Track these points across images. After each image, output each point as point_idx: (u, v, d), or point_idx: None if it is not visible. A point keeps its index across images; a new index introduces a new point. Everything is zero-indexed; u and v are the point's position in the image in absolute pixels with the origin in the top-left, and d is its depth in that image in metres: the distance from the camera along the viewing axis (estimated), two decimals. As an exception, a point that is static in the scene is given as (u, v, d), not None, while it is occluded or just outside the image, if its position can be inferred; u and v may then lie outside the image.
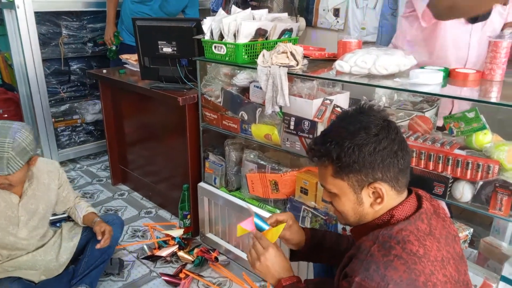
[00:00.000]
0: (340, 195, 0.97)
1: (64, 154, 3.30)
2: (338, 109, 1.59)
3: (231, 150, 2.04)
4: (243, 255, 2.06)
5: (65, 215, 2.04)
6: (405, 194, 0.98)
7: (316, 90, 1.67)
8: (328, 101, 1.61)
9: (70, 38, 3.19)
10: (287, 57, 1.66)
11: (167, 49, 2.12)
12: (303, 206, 1.78)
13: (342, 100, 1.67)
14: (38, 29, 2.91)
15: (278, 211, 1.90)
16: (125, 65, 2.78)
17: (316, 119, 1.62)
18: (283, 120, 1.74)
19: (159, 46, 2.13)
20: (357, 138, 0.91)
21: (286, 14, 2.00)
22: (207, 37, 1.88)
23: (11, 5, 2.75)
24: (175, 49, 2.11)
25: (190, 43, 2.03)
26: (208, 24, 1.86)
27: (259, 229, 1.15)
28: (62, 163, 3.27)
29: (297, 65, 1.66)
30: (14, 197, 1.62)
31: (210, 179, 2.17)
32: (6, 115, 3.58)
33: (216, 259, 2.12)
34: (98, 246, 1.73)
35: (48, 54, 3.10)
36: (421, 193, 1.02)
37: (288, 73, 1.62)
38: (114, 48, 3.05)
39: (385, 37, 2.80)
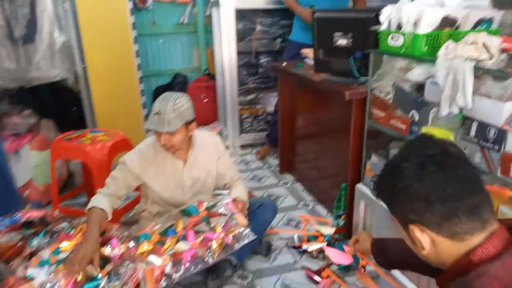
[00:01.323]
0: (400, 229, 0.89)
1: (245, 138, 3.63)
2: (541, 117, 1.22)
3: (397, 153, 1.84)
4: (395, 273, 1.85)
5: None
6: (481, 235, 0.77)
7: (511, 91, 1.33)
8: (527, 106, 1.26)
9: (262, 33, 3.46)
10: (478, 48, 1.38)
11: (342, 41, 2.06)
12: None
13: (549, 106, 1.28)
14: (237, 24, 3.26)
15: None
16: (304, 60, 2.83)
17: (506, 127, 1.29)
18: (462, 124, 1.46)
19: (335, 38, 2.08)
20: (387, 173, 0.86)
21: (487, 1, 1.66)
22: (384, 27, 1.73)
23: (217, 3, 3.16)
24: (351, 41, 2.02)
25: (366, 35, 1.91)
26: (386, 13, 1.71)
27: None
28: (242, 147, 3.61)
29: (490, 59, 1.36)
30: (179, 162, 1.83)
31: (370, 182, 2.01)
32: (206, 99, 4.17)
33: (364, 268, 1.96)
34: None
35: (242, 47, 3.43)
36: None
37: (475, 68, 1.34)
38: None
39: None
